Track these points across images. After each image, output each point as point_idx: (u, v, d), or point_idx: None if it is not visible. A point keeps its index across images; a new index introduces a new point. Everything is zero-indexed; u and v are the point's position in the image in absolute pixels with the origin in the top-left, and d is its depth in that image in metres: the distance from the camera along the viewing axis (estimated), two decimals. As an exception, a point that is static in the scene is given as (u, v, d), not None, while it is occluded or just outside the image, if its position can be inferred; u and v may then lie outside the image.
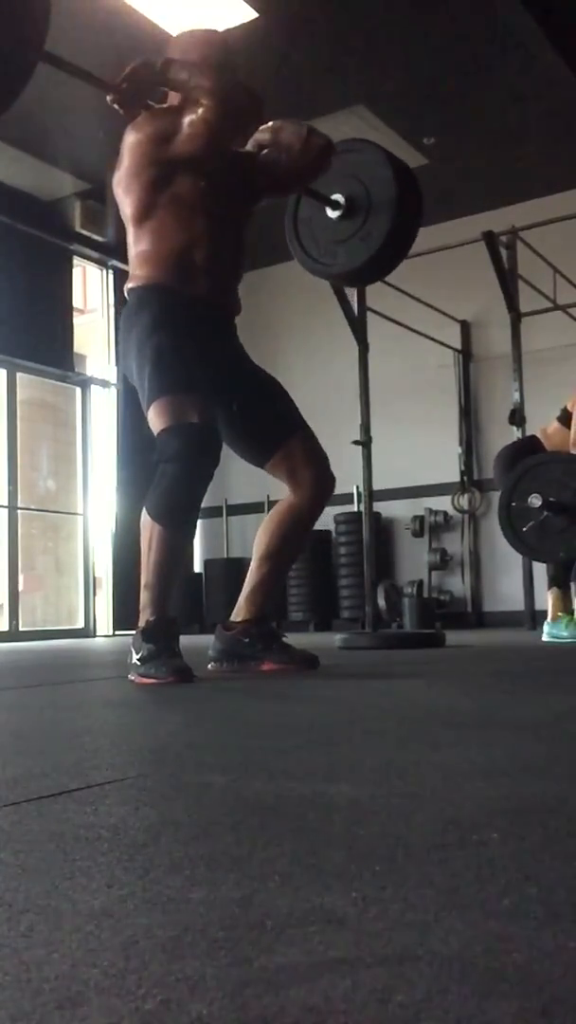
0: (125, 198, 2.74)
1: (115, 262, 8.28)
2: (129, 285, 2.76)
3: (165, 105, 2.74)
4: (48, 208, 7.85)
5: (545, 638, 4.56)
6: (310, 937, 0.54)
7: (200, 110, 2.56)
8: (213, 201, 2.72)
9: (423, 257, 6.63)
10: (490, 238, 6.30)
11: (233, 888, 0.64)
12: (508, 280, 6.53)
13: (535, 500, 4.07)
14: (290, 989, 0.47)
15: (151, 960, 0.51)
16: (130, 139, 2.70)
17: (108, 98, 2.64)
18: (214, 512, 8.70)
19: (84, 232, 7.98)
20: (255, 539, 2.87)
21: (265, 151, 2.88)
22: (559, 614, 4.56)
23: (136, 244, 2.74)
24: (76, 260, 8.42)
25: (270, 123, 2.88)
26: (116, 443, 8.39)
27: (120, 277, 8.13)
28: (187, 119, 2.60)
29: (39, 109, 6.49)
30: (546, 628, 4.60)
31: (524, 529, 4.16)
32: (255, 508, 7.78)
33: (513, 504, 4.18)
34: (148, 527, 2.57)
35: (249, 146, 2.91)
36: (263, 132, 2.88)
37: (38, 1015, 0.45)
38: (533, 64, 5.99)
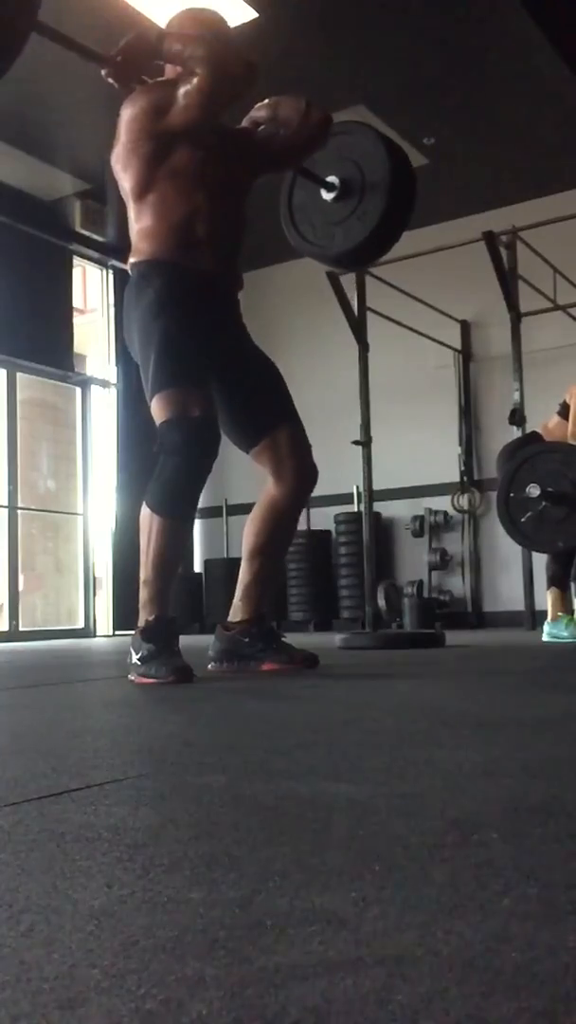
0: (124, 174, 2.73)
1: (115, 262, 8.28)
2: (132, 260, 2.75)
3: (161, 79, 2.74)
4: (48, 208, 7.85)
5: (545, 638, 4.56)
6: (310, 937, 0.54)
7: (195, 79, 2.56)
8: (212, 173, 2.72)
9: (423, 257, 6.64)
10: (490, 238, 6.30)
11: (233, 888, 0.64)
12: (508, 280, 6.53)
13: (533, 490, 4.07)
14: (290, 989, 0.47)
15: (151, 960, 0.51)
16: (126, 113, 2.69)
17: (103, 72, 2.63)
18: (214, 512, 8.70)
19: (84, 232, 7.99)
20: (243, 537, 2.87)
21: (262, 127, 2.88)
22: (559, 614, 4.56)
23: (138, 220, 2.73)
24: (76, 260, 8.42)
25: (267, 100, 2.88)
26: (116, 443, 8.39)
27: (120, 277, 8.13)
28: (182, 90, 2.59)
29: (39, 109, 6.50)
30: (546, 628, 4.60)
31: (522, 520, 4.16)
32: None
33: (511, 495, 4.18)
34: (147, 519, 2.59)
35: (246, 123, 2.92)
36: (261, 108, 2.89)
37: (38, 1015, 0.45)
38: (533, 64, 5.99)
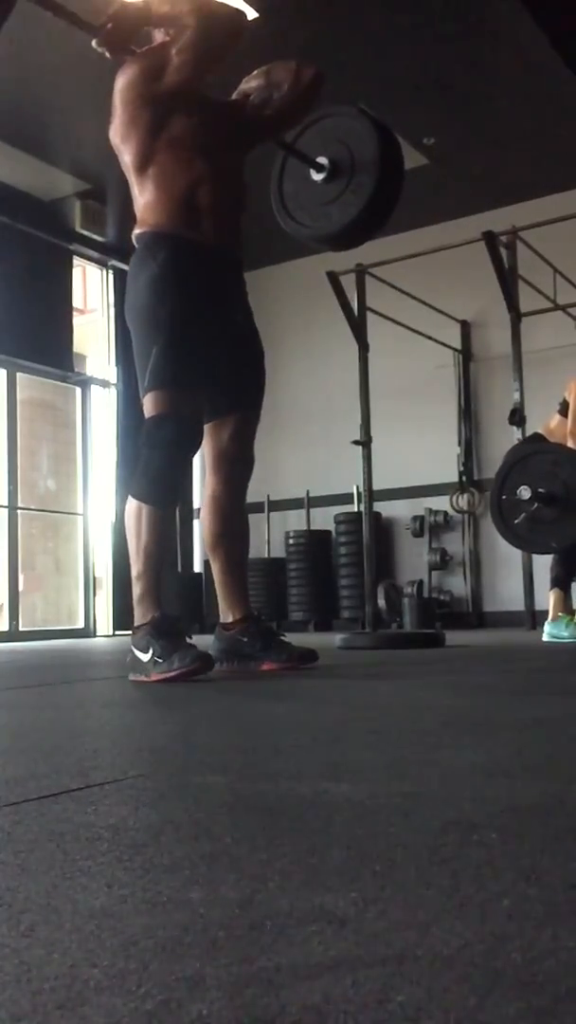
0: (123, 146, 2.72)
1: (115, 262, 8.28)
2: (137, 231, 2.74)
3: (151, 45, 2.73)
4: (48, 208, 7.85)
5: (545, 638, 4.56)
6: (310, 937, 0.54)
7: (187, 34, 2.57)
8: (210, 141, 2.72)
9: (423, 257, 6.65)
10: (490, 238, 6.30)
11: (233, 888, 0.64)
12: (508, 280, 6.53)
13: (524, 492, 4.08)
14: (290, 989, 0.47)
15: (151, 960, 0.51)
16: (120, 83, 2.68)
17: (93, 42, 2.63)
18: (214, 512, 8.68)
19: (84, 232, 7.98)
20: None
21: (253, 96, 2.89)
22: (559, 614, 4.56)
23: (141, 194, 2.73)
24: (76, 260, 8.41)
25: (255, 70, 2.90)
26: (116, 443, 8.39)
27: (120, 277, 8.12)
28: (175, 48, 2.60)
29: (39, 109, 6.50)
30: (546, 628, 4.60)
31: (515, 521, 4.16)
32: (255, 508, 7.78)
33: (504, 497, 4.18)
34: (135, 513, 2.63)
35: (237, 96, 2.93)
36: (252, 78, 2.90)
37: (38, 1015, 0.45)
38: (533, 64, 5.99)
